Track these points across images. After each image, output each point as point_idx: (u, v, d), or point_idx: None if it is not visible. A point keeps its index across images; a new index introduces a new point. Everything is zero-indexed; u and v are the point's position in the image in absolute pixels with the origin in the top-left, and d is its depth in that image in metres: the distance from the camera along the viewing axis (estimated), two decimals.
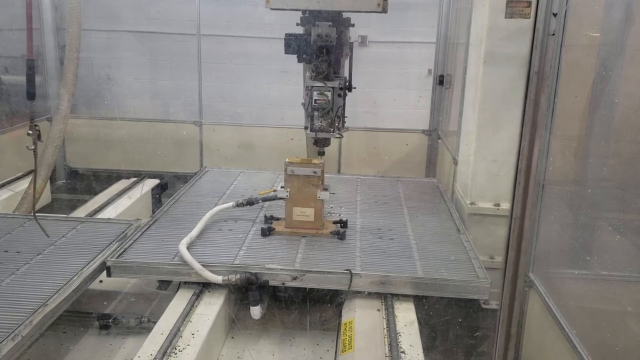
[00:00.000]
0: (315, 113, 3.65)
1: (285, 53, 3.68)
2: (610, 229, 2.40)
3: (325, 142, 3.90)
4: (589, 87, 2.60)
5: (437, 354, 3.42)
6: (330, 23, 3.55)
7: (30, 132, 3.41)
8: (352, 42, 3.88)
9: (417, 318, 3.13)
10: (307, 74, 3.71)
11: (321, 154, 3.95)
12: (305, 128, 3.77)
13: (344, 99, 3.73)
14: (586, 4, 2.58)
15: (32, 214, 3.85)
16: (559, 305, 2.53)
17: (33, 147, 3.44)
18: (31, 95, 3.53)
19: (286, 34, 3.66)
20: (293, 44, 3.65)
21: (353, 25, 3.77)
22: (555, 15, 1.99)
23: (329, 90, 3.62)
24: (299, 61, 3.75)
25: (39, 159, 4.67)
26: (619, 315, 2.21)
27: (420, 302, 3.36)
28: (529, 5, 3.80)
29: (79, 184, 6.70)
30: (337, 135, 3.77)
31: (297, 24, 3.70)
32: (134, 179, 5.61)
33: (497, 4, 3.90)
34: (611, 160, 2.49)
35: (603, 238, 2.45)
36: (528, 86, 1.99)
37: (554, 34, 2.01)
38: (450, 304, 3.51)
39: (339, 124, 3.74)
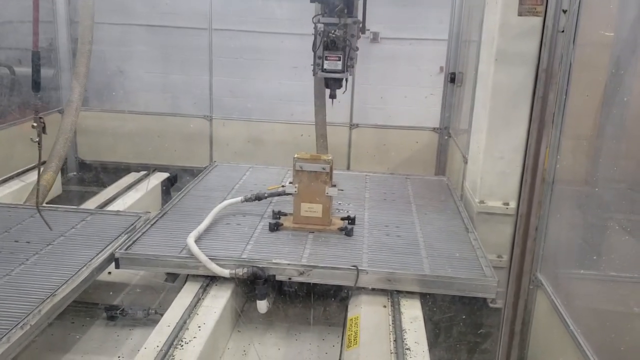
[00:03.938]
0: (327, 53, 3.62)
1: None
2: (620, 230, 2.38)
3: (336, 84, 3.84)
4: (601, 85, 2.57)
5: (442, 350, 3.41)
6: None
7: (34, 124, 3.39)
8: None
9: (424, 316, 3.13)
10: (320, 14, 3.67)
11: (333, 97, 3.90)
12: (315, 74, 3.73)
13: (357, 40, 3.70)
14: (599, 1, 2.56)
15: (36, 206, 3.85)
16: (567, 307, 2.52)
17: (37, 140, 3.43)
18: (36, 87, 3.52)
19: None
20: None
21: None
22: (565, 12, 1.98)
23: (342, 29, 3.59)
24: (311, 1, 3.68)
25: (50, 151, 4.71)
26: (626, 317, 2.20)
27: (427, 300, 3.35)
28: (542, 3, 3.77)
29: (89, 176, 6.75)
30: (348, 76, 3.73)
31: None
32: (144, 172, 5.63)
33: (509, 2, 3.87)
34: (622, 160, 2.47)
35: (612, 239, 2.43)
36: (536, 83, 1.98)
37: (563, 31, 2.00)
38: (458, 302, 3.49)
39: (349, 63, 3.70)
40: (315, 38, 3.68)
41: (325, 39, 3.59)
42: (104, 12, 6.02)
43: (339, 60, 3.63)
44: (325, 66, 3.66)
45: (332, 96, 3.88)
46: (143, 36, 6.57)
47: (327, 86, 3.86)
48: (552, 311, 2.60)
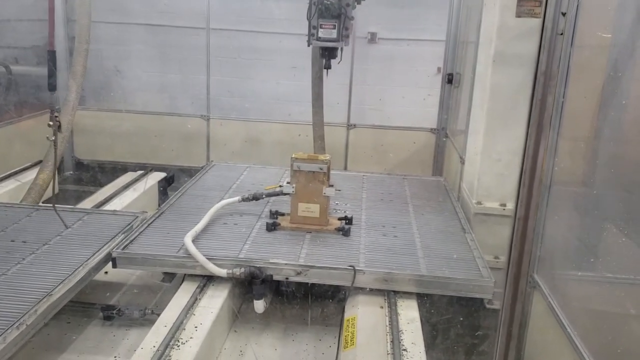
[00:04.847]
0: (321, 21, 3.58)
1: None
2: (617, 232, 2.38)
3: (332, 53, 3.79)
4: (599, 88, 2.58)
5: (439, 352, 3.42)
6: None
7: (50, 123, 3.42)
8: None
9: (420, 317, 3.13)
10: None
11: (327, 67, 3.85)
12: (309, 44, 3.67)
13: (352, 9, 3.67)
14: (598, 3, 2.56)
15: (52, 205, 3.85)
16: (564, 308, 2.52)
17: (53, 138, 3.46)
18: (52, 86, 3.55)
19: None
20: None
21: None
22: (564, 14, 1.98)
23: None
24: None
25: (47, 150, 4.70)
26: (623, 319, 2.20)
27: (424, 301, 3.36)
28: (540, 5, 3.78)
29: (86, 175, 6.73)
30: (343, 46, 3.69)
31: None
32: (141, 171, 5.62)
33: (507, 3, 3.87)
34: (620, 162, 2.47)
35: (609, 241, 2.43)
36: (535, 86, 1.98)
37: (562, 34, 2.00)
38: (455, 303, 3.50)
39: (344, 33, 3.66)
40: (310, 6, 3.63)
41: (319, 6, 3.55)
42: (102, 10, 6.01)
43: (334, 28, 3.59)
44: (320, 34, 3.62)
45: (327, 66, 3.83)
46: (141, 35, 6.56)
47: (322, 56, 3.81)
48: (549, 313, 2.60)
